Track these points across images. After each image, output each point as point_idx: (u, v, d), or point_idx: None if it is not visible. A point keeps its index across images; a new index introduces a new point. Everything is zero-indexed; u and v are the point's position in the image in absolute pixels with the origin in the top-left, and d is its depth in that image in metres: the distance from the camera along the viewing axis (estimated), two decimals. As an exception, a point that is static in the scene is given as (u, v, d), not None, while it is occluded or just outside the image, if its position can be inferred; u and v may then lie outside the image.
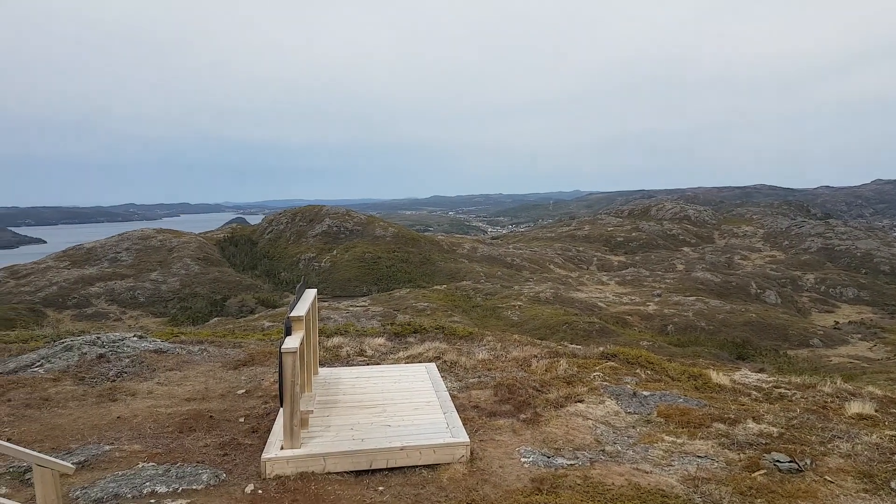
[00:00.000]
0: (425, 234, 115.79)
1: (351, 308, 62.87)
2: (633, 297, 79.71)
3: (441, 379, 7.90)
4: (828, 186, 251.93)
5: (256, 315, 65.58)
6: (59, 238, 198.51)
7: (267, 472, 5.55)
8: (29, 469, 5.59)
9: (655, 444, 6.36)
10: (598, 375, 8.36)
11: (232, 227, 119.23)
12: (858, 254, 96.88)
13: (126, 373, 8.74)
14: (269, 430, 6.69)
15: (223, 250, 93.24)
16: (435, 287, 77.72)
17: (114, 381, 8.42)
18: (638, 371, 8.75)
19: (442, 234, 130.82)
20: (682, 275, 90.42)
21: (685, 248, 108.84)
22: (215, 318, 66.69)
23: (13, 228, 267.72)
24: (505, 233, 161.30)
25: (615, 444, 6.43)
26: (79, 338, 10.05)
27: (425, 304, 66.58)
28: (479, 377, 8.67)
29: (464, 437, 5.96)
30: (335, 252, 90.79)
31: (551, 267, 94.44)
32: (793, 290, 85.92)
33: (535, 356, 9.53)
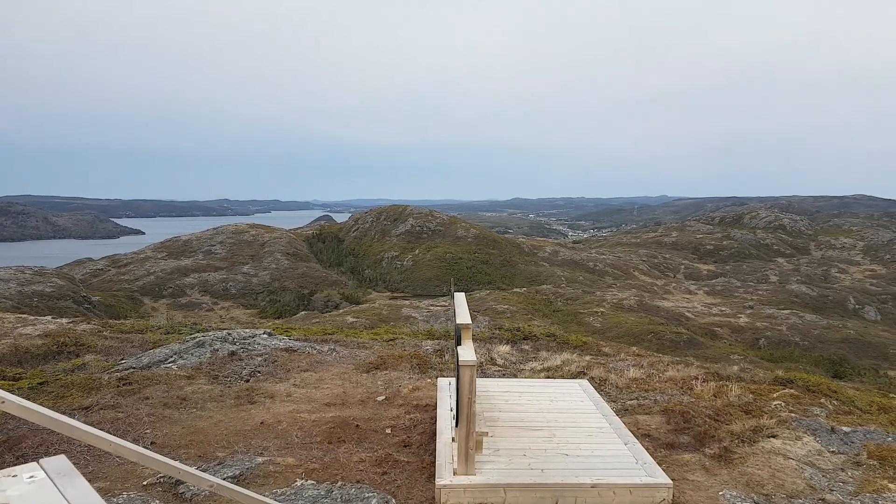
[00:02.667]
0: (505, 235, 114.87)
1: (431, 307, 62.96)
2: (722, 308, 76.21)
3: (602, 400, 7.02)
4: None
5: (341, 310, 66.82)
6: (157, 230, 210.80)
7: (441, 500, 4.90)
8: (182, 482, 5.19)
9: (883, 495, 5.29)
10: (780, 405, 7.25)
11: (320, 224, 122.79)
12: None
13: (260, 372, 8.37)
14: (421, 445, 6.11)
15: (311, 246, 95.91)
16: (515, 290, 76.83)
17: (247, 380, 8.07)
18: (822, 401, 7.58)
19: (523, 236, 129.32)
20: (775, 287, 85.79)
21: (779, 259, 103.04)
22: (302, 312, 68.45)
23: (115, 220, 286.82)
24: (586, 237, 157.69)
25: (832, 490, 5.40)
26: (209, 333, 9.85)
27: (505, 306, 65.84)
28: (638, 399, 7.74)
29: (663, 477, 5.09)
30: (417, 251, 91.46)
31: (636, 273, 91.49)
32: (894, 307, 79.91)
33: (696, 377, 8.50)
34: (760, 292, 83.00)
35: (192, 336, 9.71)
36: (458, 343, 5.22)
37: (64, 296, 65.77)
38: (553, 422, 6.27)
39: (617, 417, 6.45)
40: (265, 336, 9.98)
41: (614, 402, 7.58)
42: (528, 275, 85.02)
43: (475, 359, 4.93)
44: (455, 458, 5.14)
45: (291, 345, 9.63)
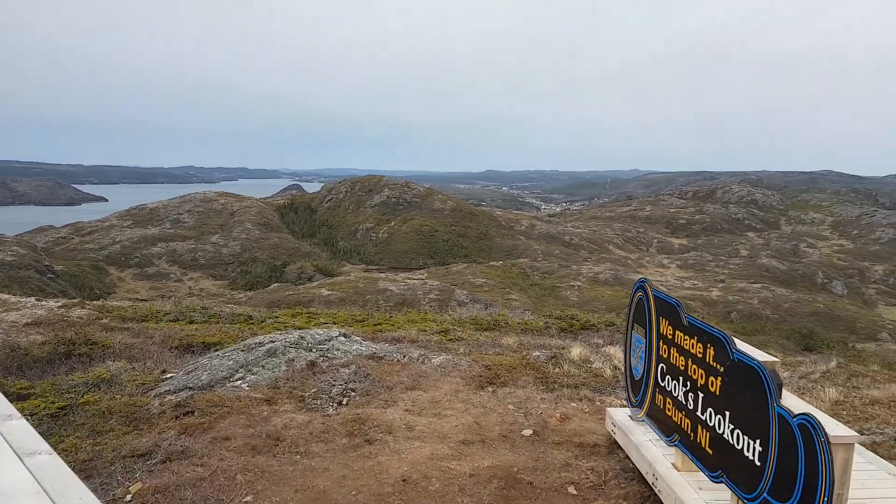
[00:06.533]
0: (480, 208, 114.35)
1: (408, 280, 62.27)
2: (695, 282, 77.24)
3: (865, 449, 5.02)
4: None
5: (315, 283, 65.75)
6: (121, 197, 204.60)
7: None
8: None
9: None
10: None
11: (291, 193, 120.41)
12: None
13: (354, 391, 6.71)
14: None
15: (283, 216, 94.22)
16: (492, 263, 76.56)
17: (342, 403, 6.46)
18: None
19: (498, 209, 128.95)
20: (746, 261, 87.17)
21: (750, 234, 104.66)
22: (275, 284, 67.10)
23: (77, 186, 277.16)
24: (560, 210, 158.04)
25: None
26: (278, 337, 8.16)
27: (482, 280, 65.58)
28: (871, 435, 6.18)
29: None
30: (393, 223, 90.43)
31: (610, 247, 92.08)
32: (860, 282, 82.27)
33: None
34: (732, 266, 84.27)
35: (258, 342, 7.98)
36: (772, 394, 3.43)
37: (26, 265, 63.25)
38: None
39: None
40: (342, 339, 8.51)
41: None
42: (505, 248, 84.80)
43: (854, 434, 3.38)
44: None
45: (375, 350, 8.33)
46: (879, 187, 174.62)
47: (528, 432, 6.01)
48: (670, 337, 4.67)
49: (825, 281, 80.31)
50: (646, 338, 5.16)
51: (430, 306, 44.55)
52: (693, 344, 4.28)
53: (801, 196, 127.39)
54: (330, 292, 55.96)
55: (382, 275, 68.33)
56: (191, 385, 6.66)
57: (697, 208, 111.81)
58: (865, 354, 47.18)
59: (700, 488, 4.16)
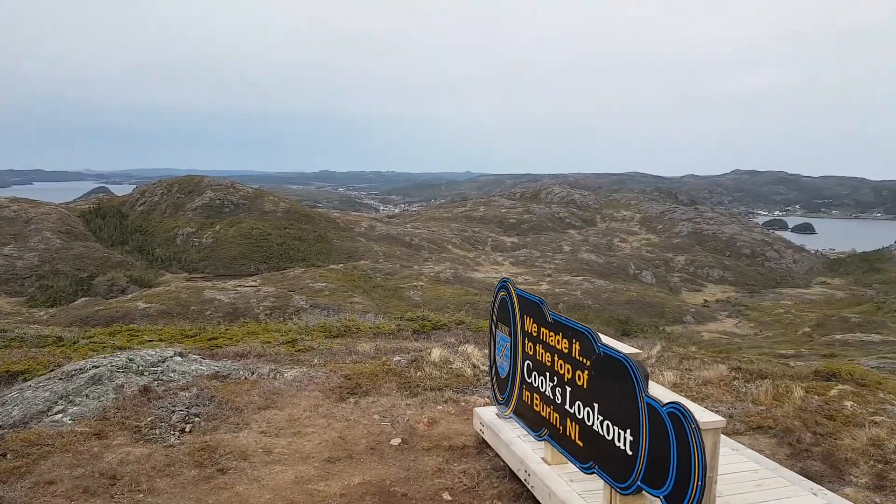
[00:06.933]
0: (316, 209, 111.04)
1: (239, 288, 58.32)
2: (526, 277, 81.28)
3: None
4: (693, 175, 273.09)
5: (129, 295, 59.57)
6: None
7: None
8: None
9: None
10: (856, 405, 6.52)
11: (98, 197, 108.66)
12: (724, 237, 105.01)
13: (198, 416, 6.05)
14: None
15: (88, 223, 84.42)
16: (331, 266, 74.42)
17: (186, 430, 5.79)
18: (882, 395, 7.02)
19: (336, 211, 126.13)
20: (569, 256, 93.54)
21: (571, 231, 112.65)
22: (82, 299, 59.90)
23: None
24: (398, 211, 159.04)
25: None
26: (104, 360, 7.06)
27: (323, 284, 63.35)
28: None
29: None
30: (218, 227, 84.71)
31: (449, 247, 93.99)
32: (666, 271, 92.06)
33: (734, 377, 7.95)
34: (557, 262, 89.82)
35: (79, 367, 6.92)
36: (638, 387, 3.50)
37: None
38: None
39: (756, 452, 4.94)
40: (178, 359, 7.59)
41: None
42: (345, 251, 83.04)
43: (721, 419, 3.55)
44: None
45: (218, 368, 7.52)
46: (678, 186, 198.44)
47: (396, 441, 5.92)
48: (535, 334, 4.70)
49: (637, 272, 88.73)
50: (511, 336, 5.19)
51: (267, 315, 41.73)
52: (559, 340, 4.34)
53: (613, 196, 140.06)
54: (148, 305, 50.85)
55: (209, 283, 63.54)
56: (0, 424, 5.95)
57: (525, 208, 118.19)
58: (674, 335, 52.63)
59: (572, 480, 4.23)
